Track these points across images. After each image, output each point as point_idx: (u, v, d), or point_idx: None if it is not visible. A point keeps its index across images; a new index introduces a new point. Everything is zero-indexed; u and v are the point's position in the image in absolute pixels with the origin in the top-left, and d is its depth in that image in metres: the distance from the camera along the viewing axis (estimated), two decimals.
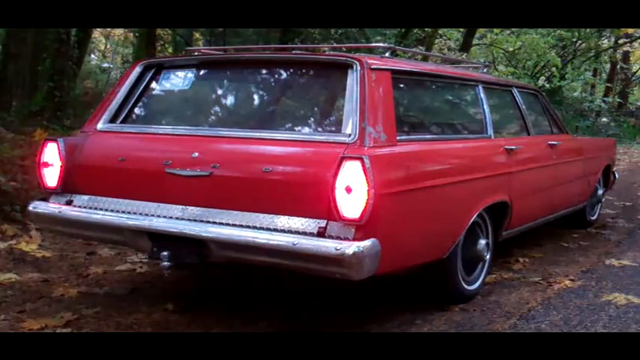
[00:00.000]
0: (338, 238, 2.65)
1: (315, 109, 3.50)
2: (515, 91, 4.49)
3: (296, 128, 3.29)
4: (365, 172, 2.62)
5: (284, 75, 3.55)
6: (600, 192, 5.88)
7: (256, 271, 3.98)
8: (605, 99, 18.77)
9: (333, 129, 3.09)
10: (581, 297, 3.66)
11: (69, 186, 3.28)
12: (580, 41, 16.03)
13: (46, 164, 3.29)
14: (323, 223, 2.69)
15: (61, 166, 3.26)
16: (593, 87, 21.30)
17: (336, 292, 3.62)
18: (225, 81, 3.68)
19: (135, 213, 3.08)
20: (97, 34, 14.76)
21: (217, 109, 3.71)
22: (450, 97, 4.13)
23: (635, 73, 22.41)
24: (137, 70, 3.54)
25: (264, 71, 3.61)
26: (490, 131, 3.83)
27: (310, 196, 2.73)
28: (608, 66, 20.69)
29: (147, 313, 3.22)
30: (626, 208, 6.86)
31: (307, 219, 2.73)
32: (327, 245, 2.61)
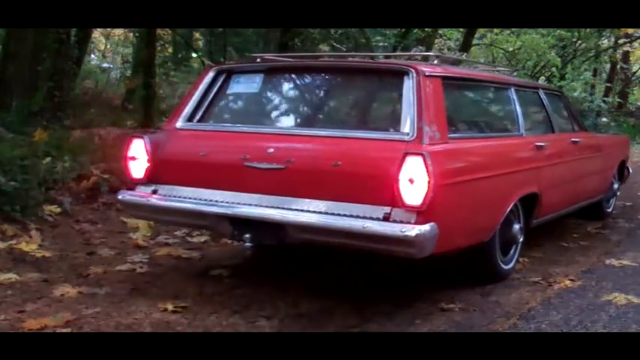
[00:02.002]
0: (401, 222, 3.05)
1: (376, 110, 4.03)
2: (541, 92, 4.94)
3: (359, 127, 3.73)
4: (426, 166, 3.02)
5: (347, 80, 4.00)
6: (615, 186, 6.28)
7: (256, 271, 3.98)
8: (605, 99, 18.75)
9: (393, 128, 3.44)
10: (581, 297, 3.66)
11: (153, 177, 3.71)
12: (580, 41, 16.01)
13: (133, 158, 3.73)
14: (388, 209, 3.09)
15: (147, 160, 3.69)
16: (593, 87, 21.28)
17: (335, 292, 3.62)
18: (291, 85, 4.13)
19: (216, 201, 3.51)
20: (97, 34, 14.74)
21: (287, 110, 4.13)
22: (488, 99, 4.58)
23: (635, 73, 22.40)
24: (210, 74, 3.97)
25: (328, 76, 4.06)
26: (522, 129, 4.26)
27: (376, 186, 3.13)
28: (608, 66, 20.67)
29: (147, 313, 3.22)
30: (626, 208, 6.86)
31: (373, 206, 3.12)
32: (394, 228, 3.02)
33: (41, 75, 7.50)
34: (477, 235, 3.61)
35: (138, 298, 3.44)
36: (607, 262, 4.48)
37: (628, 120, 19.66)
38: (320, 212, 3.22)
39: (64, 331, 2.96)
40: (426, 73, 3.40)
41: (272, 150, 3.40)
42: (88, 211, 5.11)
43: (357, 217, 3.13)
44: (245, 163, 3.44)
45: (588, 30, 15.02)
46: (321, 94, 4.14)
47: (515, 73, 5.11)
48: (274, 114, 4.12)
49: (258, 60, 4.12)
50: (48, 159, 5.37)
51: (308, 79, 4.09)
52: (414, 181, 3.02)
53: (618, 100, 20.46)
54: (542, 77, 16.16)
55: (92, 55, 15.92)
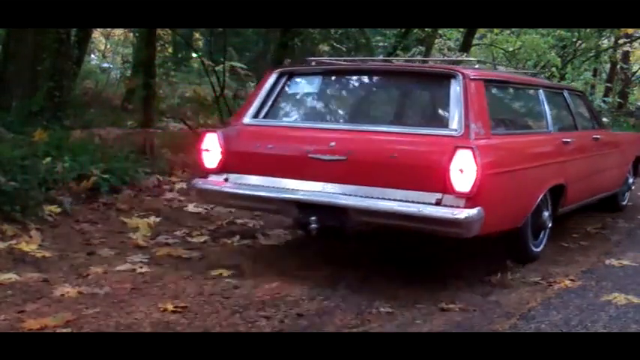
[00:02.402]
0: (451, 206, 3.47)
1: (425, 109, 4.44)
2: (565, 92, 5.39)
3: (412, 124, 4.11)
4: (474, 158, 3.43)
5: (399, 81, 4.49)
6: (630, 180, 6.69)
7: (256, 271, 3.98)
8: (605, 99, 18.74)
9: (443, 125, 3.81)
10: (581, 297, 3.66)
11: (225, 167, 4.16)
12: (580, 41, 16.00)
13: (207, 150, 4.19)
14: (439, 195, 3.52)
15: (220, 152, 4.15)
16: (593, 87, 21.27)
17: (335, 292, 3.62)
18: (347, 85, 4.65)
19: (283, 188, 3.94)
20: (97, 34, 14.73)
21: (344, 108, 4.62)
22: (521, 99, 5.01)
23: (635, 73, 22.38)
24: (273, 76, 4.42)
25: (382, 78, 4.61)
26: (550, 127, 4.72)
27: (429, 175, 3.56)
28: (608, 66, 20.66)
29: (147, 313, 3.22)
30: (626, 208, 6.86)
31: (426, 192, 3.55)
32: (446, 211, 3.46)
33: (41, 75, 7.50)
34: (513, 219, 4.02)
35: (138, 298, 3.44)
36: (607, 262, 4.47)
37: (628, 120, 19.64)
38: (378, 198, 3.65)
39: (64, 331, 2.96)
40: (471, 77, 3.83)
41: (334, 144, 3.85)
42: (88, 211, 5.11)
43: (412, 202, 3.56)
44: (309, 155, 3.88)
45: (588, 30, 15.01)
46: (376, 94, 4.70)
47: (542, 75, 5.77)
48: (333, 112, 4.62)
49: (313, 63, 4.59)
50: (48, 159, 5.37)
51: (363, 80, 4.64)
52: (463, 171, 3.44)
53: (618, 100, 20.44)
54: (542, 77, 16.15)
55: (92, 55, 15.91)
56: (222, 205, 5.07)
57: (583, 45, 16.24)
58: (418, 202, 3.54)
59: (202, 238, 4.77)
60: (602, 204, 6.03)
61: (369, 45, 12.84)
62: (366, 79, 4.64)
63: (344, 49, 11.79)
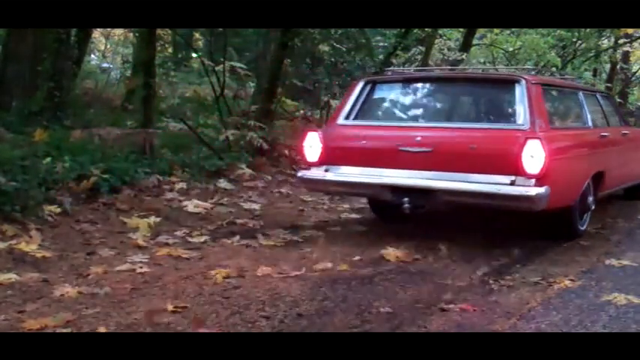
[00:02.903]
0: (524, 186, 4.34)
1: (496, 108, 5.27)
2: (597, 95, 6.37)
3: (485, 120, 5.19)
4: (542, 146, 4.30)
5: (472, 86, 5.46)
6: None
7: (256, 271, 3.98)
8: None
9: (512, 120, 4.71)
10: (581, 297, 3.65)
11: (325, 160, 5.05)
12: (580, 41, 15.99)
13: (309, 146, 5.10)
14: (513, 178, 4.38)
15: (321, 147, 5.05)
16: (593, 87, 21.27)
17: (335, 293, 3.62)
18: (424, 90, 5.54)
19: (378, 176, 4.83)
20: (97, 34, 14.73)
21: (424, 109, 5.50)
22: (567, 100, 5.73)
23: (635, 73, 22.38)
24: (360, 84, 5.36)
25: (457, 83, 5.55)
26: (590, 123, 5.59)
27: (504, 162, 4.42)
28: (608, 66, 20.65)
29: (147, 313, 3.22)
30: (626, 207, 6.86)
31: (502, 175, 4.41)
32: (521, 190, 4.34)
33: (41, 75, 7.51)
34: (569, 197, 4.83)
35: (138, 298, 3.44)
36: (607, 262, 4.47)
37: (628, 120, 19.63)
38: (461, 181, 4.52)
39: (64, 331, 2.96)
40: (532, 81, 4.74)
41: (419, 138, 4.71)
42: (88, 211, 5.11)
43: (490, 183, 4.42)
44: (399, 148, 4.75)
45: (588, 30, 15.01)
46: (451, 96, 5.60)
47: (579, 80, 6.61)
48: (414, 112, 5.48)
49: (389, 73, 5.84)
50: (48, 159, 5.38)
51: (437, 86, 5.55)
52: (533, 157, 4.30)
53: (618, 100, 20.42)
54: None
55: (92, 55, 15.91)
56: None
57: (583, 45, 16.24)
58: (495, 184, 4.39)
59: (202, 238, 4.77)
60: (627, 193, 6.92)
61: (369, 45, 12.83)
62: (439, 85, 5.56)
63: (344, 49, 11.77)
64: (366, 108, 5.31)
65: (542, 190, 4.27)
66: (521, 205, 4.42)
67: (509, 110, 4.85)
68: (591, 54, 17.09)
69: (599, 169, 5.32)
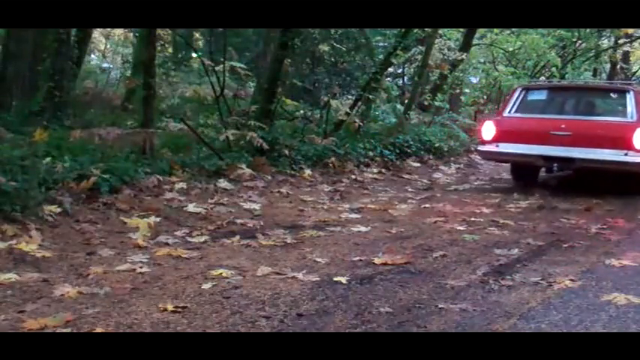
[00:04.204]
0: (633, 157, 7.14)
1: (613, 107, 8.25)
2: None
3: (607, 115, 8.21)
4: None
5: (596, 93, 8.76)
6: None
7: (256, 271, 3.98)
8: None
9: (625, 116, 7.58)
10: (581, 297, 3.65)
11: (495, 139, 7.93)
12: (580, 41, 16.01)
13: (486, 130, 8.01)
14: (626, 152, 7.18)
15: (494, 130, 7.95)
16: None
17: (336, 292, 3.62)
18: (564, 94, 8.76)
19: (535, 149, 7.66)
20: (97, 34, 14.74)
21: (564, 107, 8.49)
22: None
23: (635, 73, 22.40)
24: (518, 89, 8.49)
25: (585, 91, 8.78)
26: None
27: (620, 141, 7.25)
28: (608, 66, 20.66)
29: (147, 313, 3.22)
30: (626, 207, 6.86)
31: (619, 150, 7.23)
32: (631, 159, 7.16)
33: (41, 75, 7.52)
34: None
35: (138, 298, 3.44)
36: (607, 262, 4.47)
37: None
38: (593, 152, 7.29)
39: (64, 331, 2.96)
40: (637, 90, 7.68)
41: (564, 125, 7.63)
42: (88, 211, 5.11)
43: (611, 154, 7.20)
44: (550, 132, 7.59)
45: (588, 30, 15.03)
46: (583, 99, 8.35)
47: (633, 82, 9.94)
48: (557, 109, 8.42)
49: (538, 82, 9.65)
50: (48, 159, 5.38)
51: (572, 92, 8.73)
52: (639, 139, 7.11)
53: None
54: (542, 77, 16.16)
55: (92, 55, 15.93)
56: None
57: (583, 45, 16.25)
58: (614, 154, 7.15)
59: (202, 238, 4.77)
60: None
61: (369, 45, 12.84)
62: (573, 91, 8.74)
63: (344, 49, 11.78)
64: (523, 105, 8.12)
65: None
66: (631, 169, 7.18)
67: (622, 109, 7.68)
68: (591, 54, 17.11)
69: None
